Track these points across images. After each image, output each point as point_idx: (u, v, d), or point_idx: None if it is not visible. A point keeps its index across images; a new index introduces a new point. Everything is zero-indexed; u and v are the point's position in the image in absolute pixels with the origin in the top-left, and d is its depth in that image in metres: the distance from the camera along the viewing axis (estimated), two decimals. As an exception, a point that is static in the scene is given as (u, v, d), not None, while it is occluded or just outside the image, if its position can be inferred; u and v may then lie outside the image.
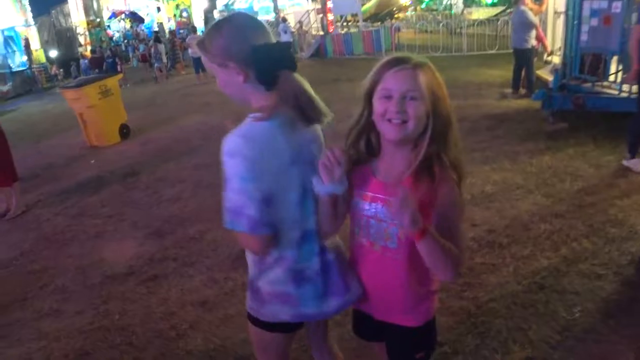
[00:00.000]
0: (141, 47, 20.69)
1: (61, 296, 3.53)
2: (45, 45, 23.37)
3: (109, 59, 18.08)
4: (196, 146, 7.15)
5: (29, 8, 21.73)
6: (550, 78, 6.81)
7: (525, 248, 3.29)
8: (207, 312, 3.05)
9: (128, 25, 30.43)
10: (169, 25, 33.86)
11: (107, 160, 7.16)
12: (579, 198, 3.99)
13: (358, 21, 19.01)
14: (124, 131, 8.41)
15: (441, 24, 17.28)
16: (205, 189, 5.23)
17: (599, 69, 5.70)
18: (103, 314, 3.21)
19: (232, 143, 1.32)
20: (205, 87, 13.51)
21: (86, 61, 18.92)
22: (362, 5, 21.67)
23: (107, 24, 28.81)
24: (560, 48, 6.98)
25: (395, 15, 24.29)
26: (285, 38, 15.88)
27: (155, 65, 16.81)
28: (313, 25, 20.40)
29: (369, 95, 1.34)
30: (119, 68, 17.19)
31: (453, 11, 22.41)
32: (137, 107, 10.81)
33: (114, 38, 28.91)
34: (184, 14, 36.40)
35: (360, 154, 1.40)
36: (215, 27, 1.40)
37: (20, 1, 21.22)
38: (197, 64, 14.49)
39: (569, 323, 2.52)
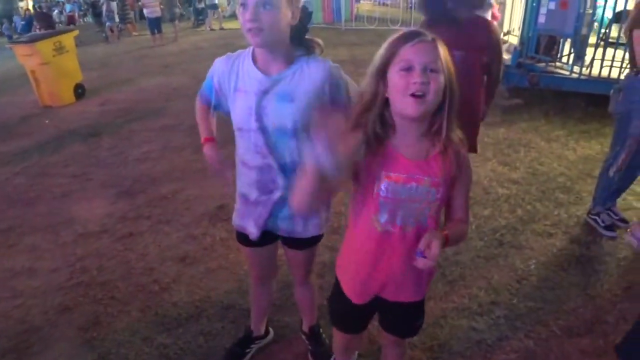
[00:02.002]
0: (68, 7, 19.41)
1: (33, 254, 3.47)
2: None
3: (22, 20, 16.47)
4: (159, 107, 7.05)
5: None
6: (507, 56, 7.14)
7: (485, 209, 3.59)
8: (187, 267, 3.13)
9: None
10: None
11: (64, 120, 6.91)
12: (532, 167, 4.33)
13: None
14: (79, 91, 8.09)
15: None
16: (174, 150, 5.22)
17: (553, 50, 6.05)
18: (80, 271, 3.21)
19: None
20: (161, 49, 13.11)
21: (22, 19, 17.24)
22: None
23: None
24: (517, 28, 7.30)
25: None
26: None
27: (107, 24, 16.02)
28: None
29: (383, 71, 1.28)
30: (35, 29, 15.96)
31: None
32: (90, 67, 10.35)
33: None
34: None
35: (376, 133, 1.33)
36: None
37: None
38: (153, 24, 13.93)
39: (526, 273, 2.84)
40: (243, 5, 1.44)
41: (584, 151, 4.67)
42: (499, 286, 2.72)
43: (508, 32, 8.76)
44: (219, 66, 1.67)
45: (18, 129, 6.70)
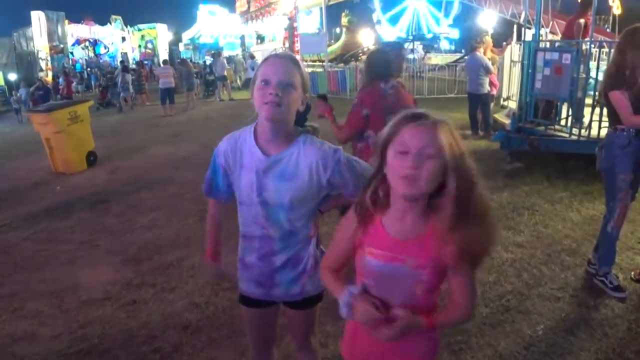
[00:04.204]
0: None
1: (35, 320, 3.46)
2: (4, 68, 22.83)
3: (39, 90, 16.75)
4: (168, 176, 7.19)
5: None
6: (506, 121, 7.32)
7: (490, 274, 3.55)
8: (190, 336, 3.10)
9: (92, 53, 30.15)
10: (133, 55, 33.81)
11: (75, 187, 7.06)
12: (536, 230, 4.33)
13: (323, 61, 19.65)
14: (91, 158, 8.33)
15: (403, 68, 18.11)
16: (180, 218, 5.28)
17: (551, 113, 6.21)
18: (81, 338, 3.18)
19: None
20: (171, 119, 13.54)
21: (27, 89, 17.14)
22: (329, 46, 22.43)
23: (71, 51, 28.42)
24: (516, 94, 7.54)
25: (360, 57, 25.27)
26: (252, 74, 16.19)
27: (122, 94, 16.69)
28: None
29: (385, 147, 1.31)
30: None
31: (414, 56, 23.54)
32: (103, 135, 10.70)
33: (79, 64, 28.49)
34: (149, 45, 36.50)
35: (369, 206, 1.36)
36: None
37: None
38: (165, 94, 14.47)
39: (534, 339, 2.78)
40: (265, 82, 1.59)
41: (588, 212, 4.67)
42: (507, 354, 2.65)
43: (507, 98, 9.04)
44: (224, 147, 1.79)
45: (29, 194, 6.84)
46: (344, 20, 28.22)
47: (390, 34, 33.35)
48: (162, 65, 16.91)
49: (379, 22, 34.11)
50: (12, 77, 22.58)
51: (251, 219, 1.76)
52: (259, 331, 2.05)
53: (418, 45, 27.86)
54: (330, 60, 20.98)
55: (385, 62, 3.25)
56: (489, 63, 8.38)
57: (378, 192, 1.34)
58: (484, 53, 8.57)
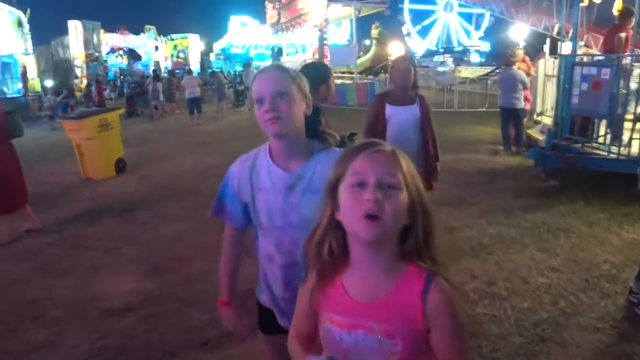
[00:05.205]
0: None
1: (56, 328, 3.44)
2: (41, 74, 23.58)
3: (66, 98, 17.15)
4: (195, 185, 7.18)
5: (29, 36, 22.19)
6: (540, 137, 7.10)
7: (524, 300, 3.37)
8: (208, 353, 3.03)
9: (125, 61, 30.89)
10: (166, 64, 34.51)
11: (103, 194, 7.14)
12: (573, 253, 4.11)
13: (353, 73, 19.65)
14: (120, 165, 8.43)
15: (433, 81, 17.95)
16: (206, 230, 5.21)
17: (588, 130, 5.97)
18: (100, 350, 3.15)
19: None
20: (200, 128, 13.67)
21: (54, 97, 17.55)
22: (358, 58, 22.45)
23: (105, 59, 29.20)
24: (550, 109, 7.30)
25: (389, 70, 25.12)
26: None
27: (152, 103, 16.99)
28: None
29: (334, 188, 1.09)
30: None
31: (444, 69, 23.34)
32: (133, 142, 10.85)
33: (112, 72, 29.24)
34: (181, 55, 37.23)
35: (324, 264, 1.13)
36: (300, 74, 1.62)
37: (22, 30, 21.67)
38: (192, 104, 14.66)
39: (572, 375, 2.58)
40: (260, 100, 1.51)
41: (628, 235, 4.43)
42: (543, 389, 2.48)
43: (541, 113, 8.78)
44: (237, 169, 1.69)
45: (58, 199, 6.93)
46: (374, 32, 28.20)
47: (420, 46, 33.24)
48: (188, 75, 17.13)
49: (408, 34, 34.03)
50: (49, 83, 23.31)
51: (273, 245, 1.63)
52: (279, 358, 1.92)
53: (448, 58, 27.57)
54: (360, 72, 20.93)
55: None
56: (525, 77, 8.17)
57: (332, 245, 1.10)
58: (517, 66, 8.38)
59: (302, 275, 1.59)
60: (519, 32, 20.26)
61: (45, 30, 25.81)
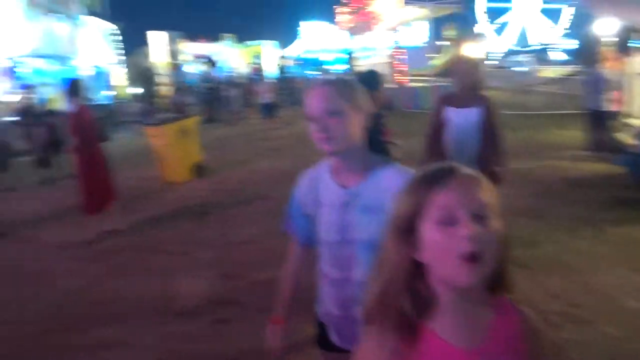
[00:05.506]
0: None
1: (127, 328, 3.60)
2: (129, 82, 25.22)
3: (148, 105, 17.92)
4: (268, 190, 7.25)
5: (119, 47, 24.18)
6: (632, 142, 6.51)
7: (616, 327, 3.04)
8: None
9: (205, 68, 32.26)
10: (242, 70, 35.67)
11: (180, 197, 7.44)
12: (672, 275, 3.70)
13: (428, 75, 19.22)
14: (197, 170, 8.75)
15: (510, 81, 17.14)
16: (278, 235, 5.26)
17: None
18: (167, 352, 3.25)
19: None
20: (274, 133, 13.93)
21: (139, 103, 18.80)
22: (433, 60, 21.94)
23: (186, 67, 30.69)
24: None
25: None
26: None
27: (229, 108, 17.57)
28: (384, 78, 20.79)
29: (408, 228, 0.92)
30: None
31: (522, 69, 22.24)
32: (209, 148, 11.20)
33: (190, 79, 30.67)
34: (257, 61, 38.33)
35: (407, 318, 0.94)
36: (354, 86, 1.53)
37: (113, 41, 23.63)
38: (265, 109, 15.02)
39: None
40: (310, 118, 1.48)
41: None
42: None
43: (629, 115, 8.07)
44: (303, 183, 1.69)
45: (137, 202, 7.27)
46: (449, 33, 27.44)
47: (496, 45, 31.95)
48: (263, 81, 17.59)
49: (484, 33, 32.80)
50: (135, 91, 24.86)
51: (330, 260, 1.61)
52: None
53: (526, 57, 26.25)
54: (436, 75, 20.41)
55: None
56: (615, 77, 7.56)
57: (418, 291, 0.94)
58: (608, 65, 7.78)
59: (357, 294, 1.51)
60: (606, 27, 18.83)
61: (134, 41, 27.63)
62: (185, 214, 6.48)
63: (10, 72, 13.79)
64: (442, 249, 0.87)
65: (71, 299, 4.20)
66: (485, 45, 31.69)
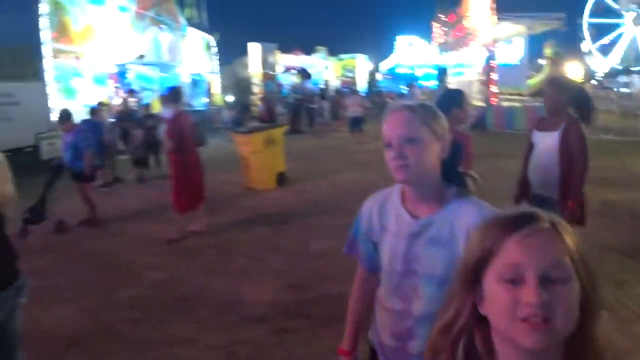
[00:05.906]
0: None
1: (197, 326, 3.77)
2: (224, 91, 26.66)
3: (239, 113, 17.55)
4: (349, 204, 7.15)
5: (216, 57, 25.85)
6: None
7: None
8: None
9: (297, 80, 33.23)
10: (334, 83, 36.26)
11: (261, 204, 7.67)
12: None
13: (523, 95, 18.30)
14: (281, 179, 8.99)
15: (614, 104, 15.84)
16: (353, 250, 5.28)
17: None
18: (231, 354, 3.35)
19: None
20: (361, 146, 13.89)
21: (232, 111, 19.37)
22: (529, 79, 20.87)
23: (279, 78, 31.80)
24: None
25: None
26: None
27: (318, 120, 17.84)
28: (476, 96, 20.12)
29: (475, 274, 0.86)
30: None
31: (630, 90, 20.47)
32: (295, 157, 11.42)
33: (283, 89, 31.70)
34: (349, 74, 38.79)
35: None
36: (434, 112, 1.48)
37: (210, 51, 25.26)
38: (353, 123, 15.09)
39: None
40: (387, 144, 1.43)
41: None
42: None
43: None
44: (369, 206, 1.65)
45: (222, 205, 7.58)
46: (548, 50, 26.00)
47: (602, 65, 29.68)
48: (352, 94, 17.73)
49: (589, 52, 30.64)
50: (230, 99, 26.22)
51: (391, 290, 1.56)
52: None
53: (636, 78, 24.11)
54: (531, 95, 19.37)
55: None
56: None
57: (474, 343, 0.88)
58: None
59: (414, 331, 1.50)
60: None
61: (229, 51, 29.28)
62: (264, 220, 6.67)
63: (119, 78, 15.06)
64: (502, 308, 0.80)
65: (154, 292, 4.48)
66: (589, 64, 29.59)
